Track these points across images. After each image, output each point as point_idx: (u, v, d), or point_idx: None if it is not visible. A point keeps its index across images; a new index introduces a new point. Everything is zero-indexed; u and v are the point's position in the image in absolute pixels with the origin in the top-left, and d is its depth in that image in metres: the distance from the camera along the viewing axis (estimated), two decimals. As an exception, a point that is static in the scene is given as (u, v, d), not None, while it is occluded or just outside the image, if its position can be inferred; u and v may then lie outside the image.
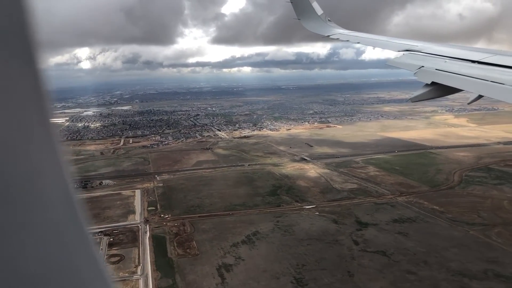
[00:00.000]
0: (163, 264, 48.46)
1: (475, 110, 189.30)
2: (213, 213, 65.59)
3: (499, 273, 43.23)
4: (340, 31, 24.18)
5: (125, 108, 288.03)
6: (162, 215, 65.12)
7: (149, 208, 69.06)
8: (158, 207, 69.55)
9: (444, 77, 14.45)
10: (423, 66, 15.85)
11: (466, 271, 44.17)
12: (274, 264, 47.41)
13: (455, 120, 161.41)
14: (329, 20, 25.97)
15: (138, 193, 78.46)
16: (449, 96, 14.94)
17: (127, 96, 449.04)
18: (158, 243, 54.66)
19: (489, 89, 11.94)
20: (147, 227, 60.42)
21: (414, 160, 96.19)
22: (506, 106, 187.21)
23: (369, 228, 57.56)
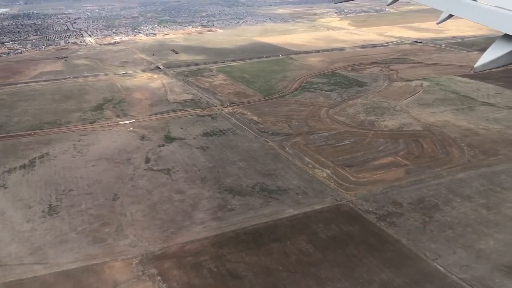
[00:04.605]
0: None
1: (364, 12, 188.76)
2: (12, 134, 58.92)
3: (265, 188, 42.29)
4: None
5: (1, 10, 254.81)
6: (-51, 139, 57.34)
7: None
8: (-47, 129, 61.27)
9: None
10: None
11: (237, 187, 42.78)
12: (38, 191, 43.08)
13: (338, 23, 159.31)
14: None
15: None
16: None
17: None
18: None
19: None
20: None
21: (269, 67, 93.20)
22: (394, 8, 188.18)
23: (173, 143, 54.48)
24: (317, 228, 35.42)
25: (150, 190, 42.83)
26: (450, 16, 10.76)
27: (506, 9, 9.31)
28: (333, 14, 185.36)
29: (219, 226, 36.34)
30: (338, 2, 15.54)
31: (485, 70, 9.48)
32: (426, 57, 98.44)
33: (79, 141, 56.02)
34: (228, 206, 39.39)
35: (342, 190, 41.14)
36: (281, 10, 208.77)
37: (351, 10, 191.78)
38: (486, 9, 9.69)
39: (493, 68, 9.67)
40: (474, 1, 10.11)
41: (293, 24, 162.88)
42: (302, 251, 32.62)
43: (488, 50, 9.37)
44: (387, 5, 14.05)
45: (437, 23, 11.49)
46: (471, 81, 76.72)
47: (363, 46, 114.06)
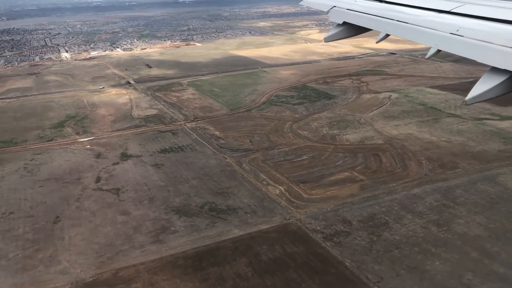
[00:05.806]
0: None
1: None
2: (-37, 154, 56.83)
3: (214, 207, 40.67)
4: None
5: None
6: None
7: None
8: None
9: (354, 17, 14.88)
10: (335, 6, 16.46)
11: (185, 207, 41.13)
12: (-24, 214, 41.05)
13: (316, 36, 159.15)
14: None
15: None
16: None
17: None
18: None
19: (395, 29, 12.94)
20: None
21: (240, 80, 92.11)
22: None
23: (128, 161, 52.77)
24: (260, 250, 33.80)
25: (95, 212, 41.01)
26: (439, 51, 11.54)
27: (491, 43, 9.67)
28: (313, 26, 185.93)
29: (158, 250, 34.58)
30: (329, 41, 17.05)
31: (477, 102, 9.57)
32: (399, 68, 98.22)
33: (31, 160, 54.10)
34: (172, 228, 37.67)
35: (292, 208, 39.64)
36: (262, 23, 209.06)
37: (331, 22, 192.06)
38: (472, 44, 10.44)
39: (484, 100, 9.64)
40: (459, 36, 10.94)
41: (272, 37, 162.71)
42: (240, 275, 30.96)
43: (478, 83, 9.45)
44: (376, 43, 15.88)
45: (426, 58, 12.34)
46: (441, 92, 76.35)
47: (338, 59, 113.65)
